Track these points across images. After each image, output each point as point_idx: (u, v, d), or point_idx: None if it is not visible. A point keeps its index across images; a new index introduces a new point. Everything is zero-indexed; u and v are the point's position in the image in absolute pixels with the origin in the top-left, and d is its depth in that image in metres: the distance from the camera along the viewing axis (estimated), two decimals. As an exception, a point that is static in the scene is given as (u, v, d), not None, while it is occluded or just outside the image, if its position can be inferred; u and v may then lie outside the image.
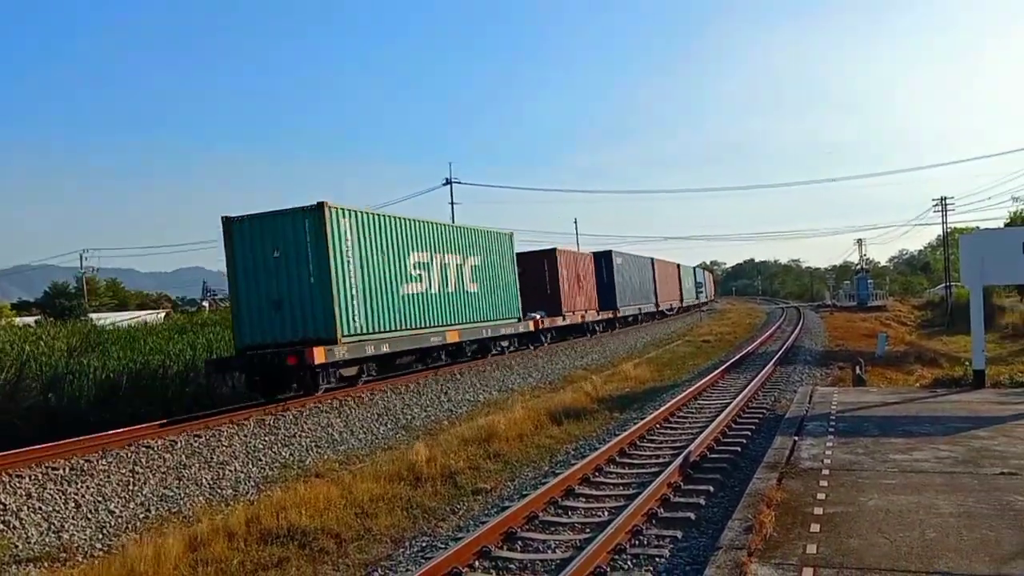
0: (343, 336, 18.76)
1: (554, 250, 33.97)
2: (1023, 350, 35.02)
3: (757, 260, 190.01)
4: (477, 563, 8.02)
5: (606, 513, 9.55)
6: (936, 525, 7.06)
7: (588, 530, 8.91)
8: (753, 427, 14.62)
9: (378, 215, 21.04)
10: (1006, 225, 34.11)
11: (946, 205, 68.55)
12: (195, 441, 14.72)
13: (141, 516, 11.47)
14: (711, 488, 10.36)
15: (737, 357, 28.44)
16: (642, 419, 15.53)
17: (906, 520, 7.24)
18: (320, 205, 18.40)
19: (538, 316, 31.26)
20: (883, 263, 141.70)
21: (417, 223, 22.98)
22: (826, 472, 9.20)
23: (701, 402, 18.19)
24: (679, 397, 18.01)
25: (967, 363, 19.23)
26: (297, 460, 14.81)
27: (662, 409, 16.31)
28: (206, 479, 13.22)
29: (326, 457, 15.08)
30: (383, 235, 20.97)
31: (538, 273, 32.73)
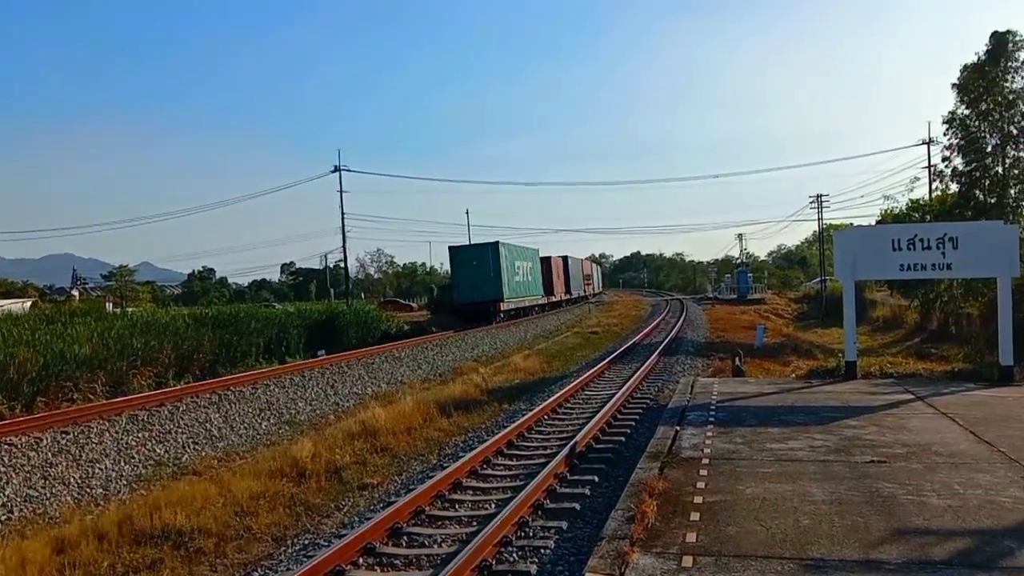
0: (505, 299, 40.89)
1: (550, 258, 56.60)
2: (894, 342, 36.53)
3: (644, 253, 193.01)
4: (361, 560, 7.90)
5: (493, 506, 9.56)
6: (810, 512, 7.33)
7: (475, 523, 8.90)
8: (637, 417, 14.83)
9: (509, 244, 43.84)
10: (877, 223, 35.76)
11: (822, 202, 71.29)
12: (62, 438, 14.01)
13: (3, 518, 10.86)
14: (596, 478, 10.51)
15: (623, 348, 28.79)
16: (530, 410, 15.61)
17: (781, 508, 7.49)
18: (496, 243, 41.39)
19: (544, 295, 52.28)
20: (763, 257, 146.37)
21: (516, 246, 45.78)
22: (706, 461, 9.44)
23: (588, 392, 18.31)
24: (567, 388, 18.13)
25: (840, 355, 19.75)
26: (173, 457, 14.29)
27: (550, 400, 16.43)
28: (74, 478, 12.61)
29: (204, 454, 14.62)
30: (510, 252, 43.21)
31: (542, 270, 53.30)
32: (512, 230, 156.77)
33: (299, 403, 19.43)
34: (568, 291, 63.54)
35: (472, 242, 49.04)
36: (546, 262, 54.85)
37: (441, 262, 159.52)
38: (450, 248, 41.61)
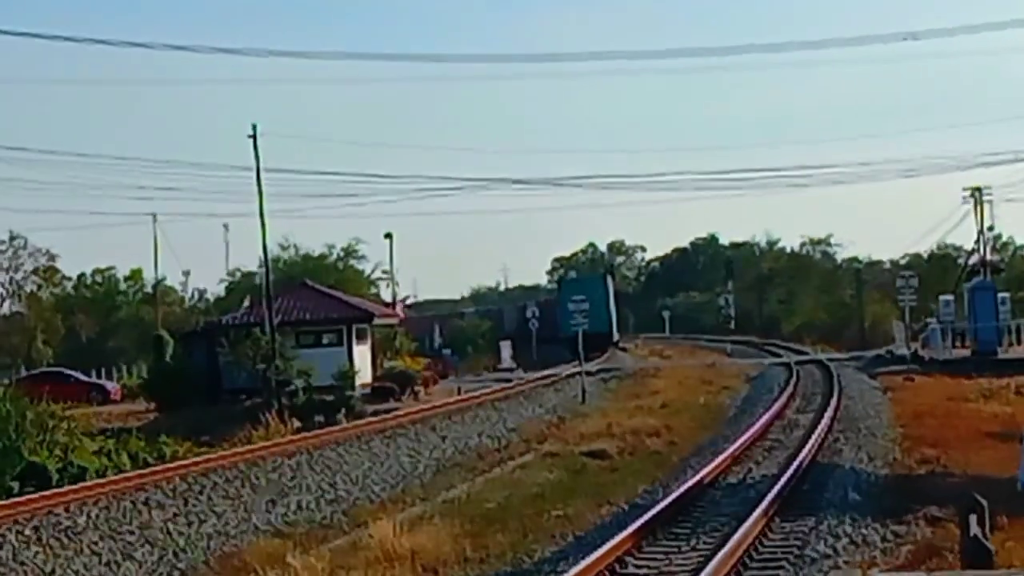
0: (616, 333, 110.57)
1: (611, 275, 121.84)
2: None
3: (726, 240, 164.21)
4: None
5: None
6: None
7: None
8: None
9: (606, 276, 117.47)
10: None
11: None
12: None
13: None
14: None
15: (675, 496, 24.32)
16: None
17: None
18: (604, 274, 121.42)
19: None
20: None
21: (606, 277, 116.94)
22: None
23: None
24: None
25: None
26: None
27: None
28: None
29: None
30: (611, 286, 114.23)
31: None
32: (369, 185, 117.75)
33: None
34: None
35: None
36: (603, 279, 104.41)
37: (187, 270, 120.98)
38: (559, 281, 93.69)
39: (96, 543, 23.38)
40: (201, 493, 28.60)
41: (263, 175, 53.03)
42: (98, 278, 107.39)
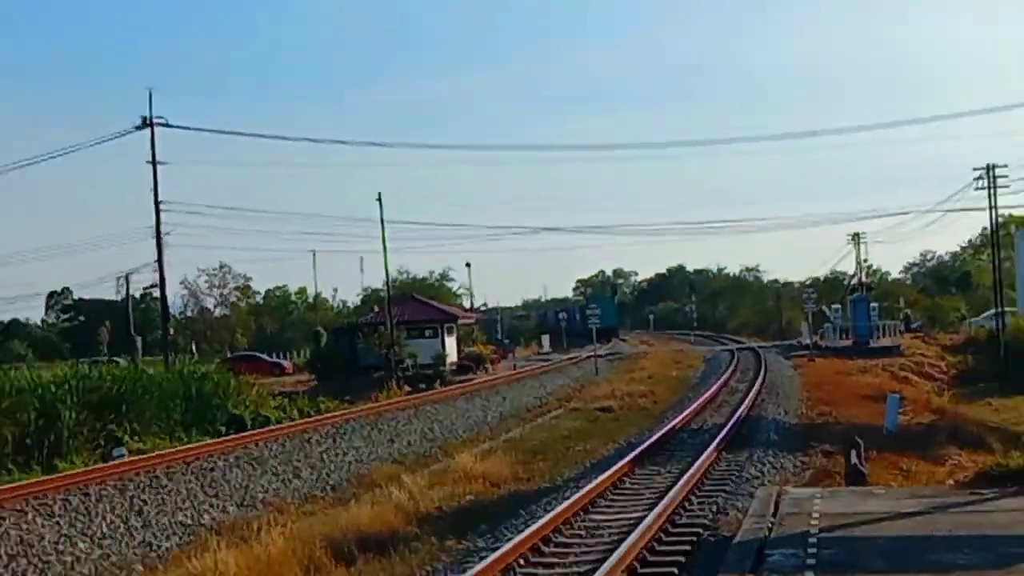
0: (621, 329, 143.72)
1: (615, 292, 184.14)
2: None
3: (691, 268, 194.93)
4: None
5: None
6: None
7: None
8: (681, 560, 14.73)
9: (614, 294, 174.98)
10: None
11: (995, 177, 67.17)
12: None
13: None
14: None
15: (656, 437, 29.11)
16: (495, 551, 15.29)
17: None
18: (613, 293, 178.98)
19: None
20: (896, 274, 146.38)
21: (614, 295, 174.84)
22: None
23: (596, 516, 18.25)
24: (559, 510, 17.98)
25: (1032, 444, 18.63)
26: None
27: (530, 531, 16.30)
28: None
29: None
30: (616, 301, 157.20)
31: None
32: (456, 231, 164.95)
33: (80, 543, 19.11)
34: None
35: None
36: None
37: (336, 287, 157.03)
38: (588, 296, 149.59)
39: (276, 467, 27.75)
40: (344, 435, 33.50)
41: (386, 224, 65.69)
42: (277, 293, 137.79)
